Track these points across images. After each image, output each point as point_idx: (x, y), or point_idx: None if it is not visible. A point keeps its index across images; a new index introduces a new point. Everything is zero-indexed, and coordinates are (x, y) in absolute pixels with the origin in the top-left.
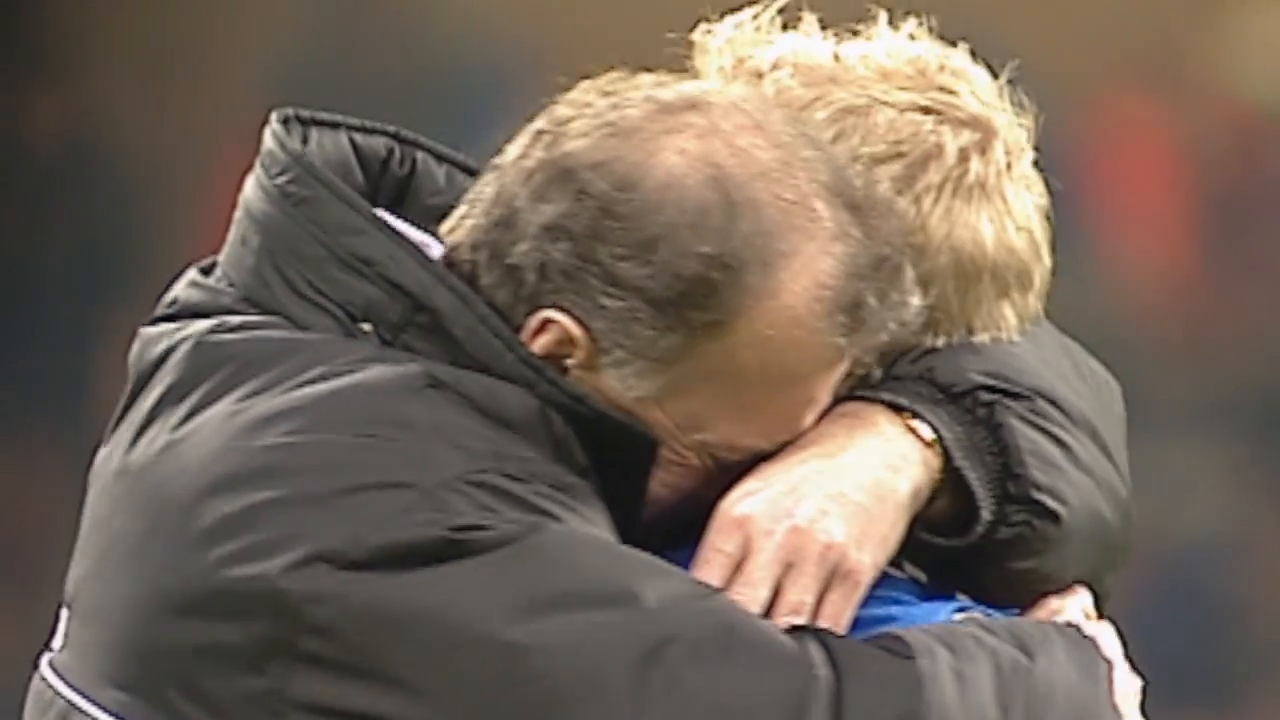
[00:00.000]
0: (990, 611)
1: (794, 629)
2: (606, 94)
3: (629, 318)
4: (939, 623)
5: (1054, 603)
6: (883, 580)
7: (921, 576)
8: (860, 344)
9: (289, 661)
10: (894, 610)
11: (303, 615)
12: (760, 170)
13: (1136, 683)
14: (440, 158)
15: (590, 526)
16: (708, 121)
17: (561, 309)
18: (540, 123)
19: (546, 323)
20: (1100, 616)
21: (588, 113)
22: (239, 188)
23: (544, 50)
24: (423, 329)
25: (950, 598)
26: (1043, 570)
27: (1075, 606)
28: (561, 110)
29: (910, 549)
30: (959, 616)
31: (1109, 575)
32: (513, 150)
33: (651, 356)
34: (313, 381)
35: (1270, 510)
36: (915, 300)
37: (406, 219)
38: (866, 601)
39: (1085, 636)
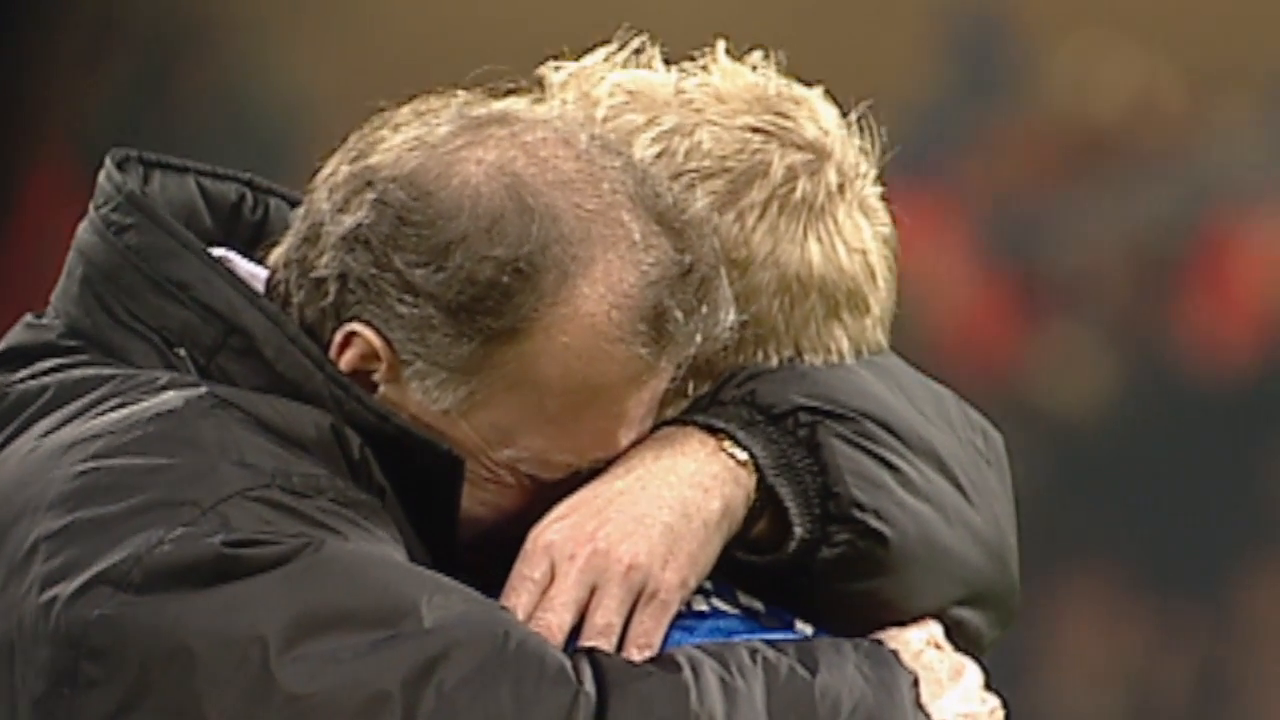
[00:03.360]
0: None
1: (572, 650)
2: (420, 113)
3: (424, 325)
4: (718, 641)
5: (892, 631)
6: (710, 615)
7: (758, 605)
8: (666, 356)
9: (73, 690)
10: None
11: (84, 640)
12: (560, 180)
13: (993, 701)
14: (294, 203)
15: (375, 543)
16: (510, 134)
17: (363, 321)
18: (352, 140)
19: (350, 336)
20: (966, 654)
21: (400, 130)
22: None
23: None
24: (235, 351)
25: (786, 628)
26: (881, 596)
27: (918, 635)
28: (374, 129)
29: (744, 576)
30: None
31: (979, 615)
32: (325, 169)
33: (449, 366)
34: (107, 411)
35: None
36: (728, 314)
37: (261, 263)
38: (687, 631)
39: (886, 651)
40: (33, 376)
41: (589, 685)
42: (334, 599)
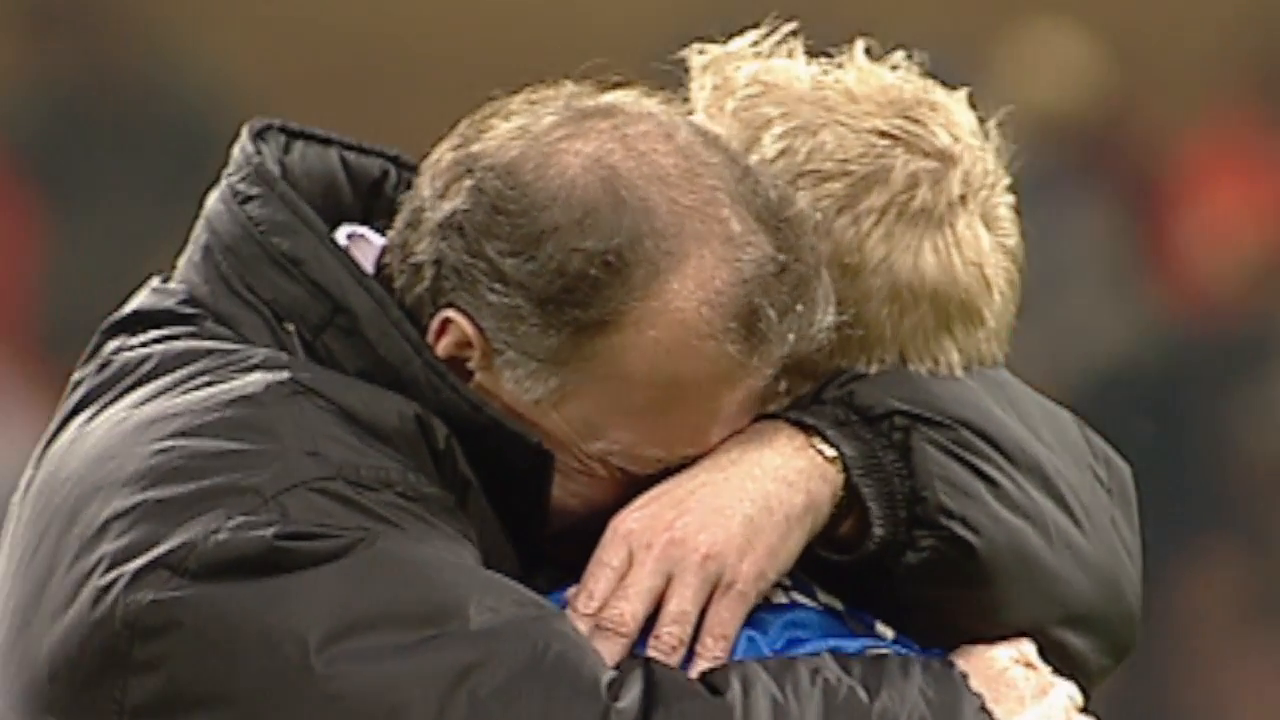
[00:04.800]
0: (904, 651)
1: (631, 659)
2: (531, 102)
3: (514, 315)
4: (789, 655)
5: (980, 647)
6: (788, 608)
7: (837, 604)
8: (758, 355)
9: (124, 670)
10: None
11: (138, 623)
12: (657, 174)
13: None
14: None
15: (438, 539)
16: (611, 126)
17: (457, 308)
18: (462, 125)
19: (445, 323)
20: (1070, 678)
21: (510, 118)
22: None
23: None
24: (341, 330)
25: (867, 630)
26: (970, 605)
27: (1006, 653)
28: (486, 116)
29: (830, 576)
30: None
31: (1083, 639)
32: (433, 154)
33: (539, 356)
34: (194, 389)
35: None
36: (825, 314)
37: None
38: (763, 624)
39: (956, 674)
40: (143, 345)
41: (627, 701)
42: (380, 597)
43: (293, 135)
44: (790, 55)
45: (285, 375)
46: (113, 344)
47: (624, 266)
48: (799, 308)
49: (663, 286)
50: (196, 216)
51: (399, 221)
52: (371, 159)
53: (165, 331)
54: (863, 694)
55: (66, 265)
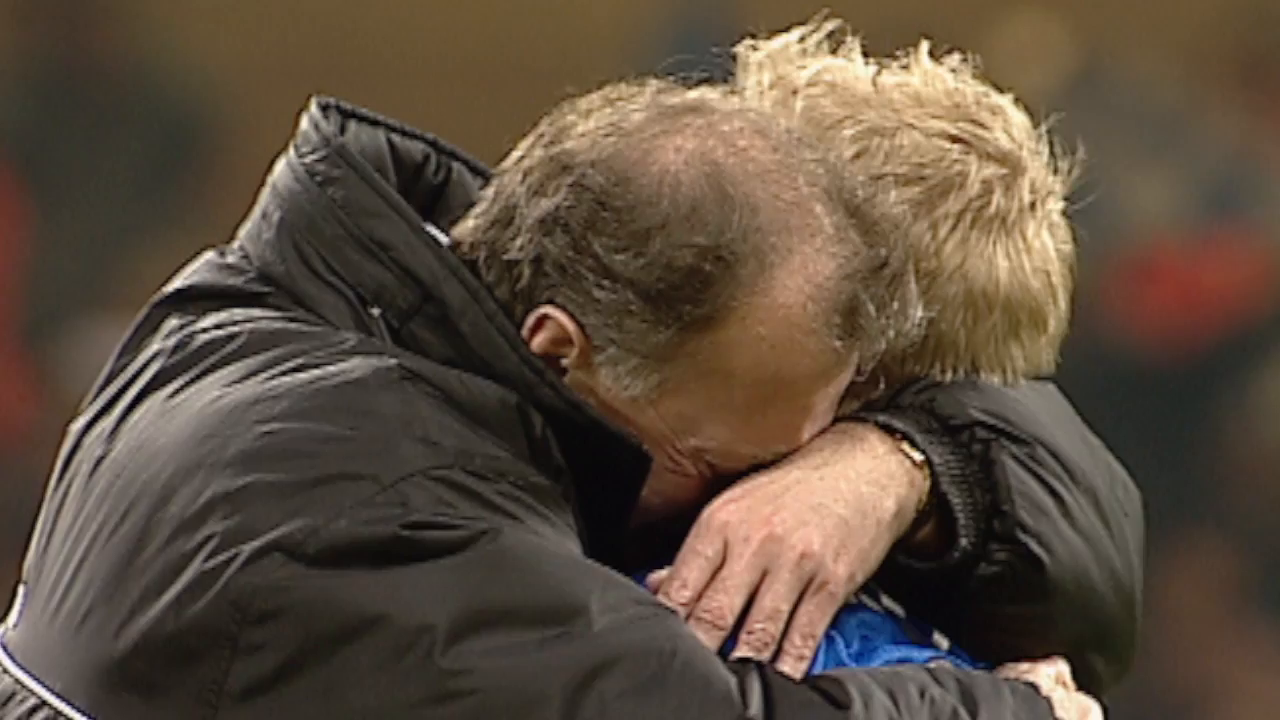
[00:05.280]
0: (959, 662)
1: (742, 662)
2: (612, 101)
3: (621, 310)
4: (889, 665)
5: (1024, 665)
6: (857, 609)
7: (899, 610)
8: (857, 350)
9: (229, 653)
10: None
11: (250, 606)
12: (758, 170)
13: None
14: (475, 170)
15: (552, 531)
16: (707, 123)
17: (556, 305)
18: (543, 126)
19: (543, 319)
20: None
21: (592, 116)
22: None
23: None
24: (430, 319)
25: (924, 638)
26: (1026, 622)
27: (1048, 671)
28: (565, 115)
29: (894, 579)
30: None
31: (1099, 657)
32: (515, 153)
33: (644, 352)
34: (292, 371)
35: None
36: (917, 311)
37: (438, 225)
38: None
39: (1043, 702)
40: (232, 323)
41: (755, 708)
42: (507, 593)
43: (346, 115)
44: (846, 54)
45: (391, 361)
46: (174, 320)
47: (734, 262)
48: (895, 304)
49: (769, 282)
50: (178, 206)
51: (480, 219)
52: (414, 143)
53: (250, 311)
54: (965, 715)
55: (48, 253)
